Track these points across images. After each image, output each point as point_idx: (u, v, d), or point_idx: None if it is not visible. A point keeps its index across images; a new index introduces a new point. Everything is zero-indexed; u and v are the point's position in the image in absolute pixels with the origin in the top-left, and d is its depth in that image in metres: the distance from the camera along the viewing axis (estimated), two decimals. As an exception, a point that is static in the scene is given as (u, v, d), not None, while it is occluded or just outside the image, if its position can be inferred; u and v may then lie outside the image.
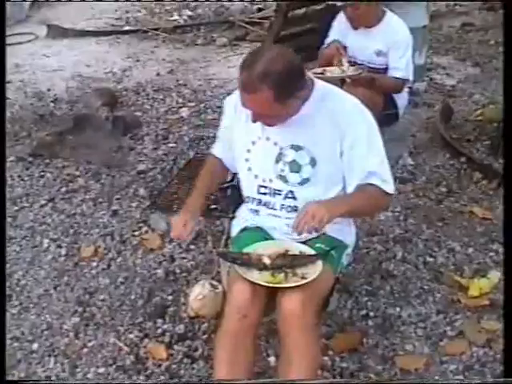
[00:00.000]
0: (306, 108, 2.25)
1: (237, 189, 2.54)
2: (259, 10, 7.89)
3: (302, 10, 5.70)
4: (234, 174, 2.57)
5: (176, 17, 8.07)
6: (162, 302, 3.00)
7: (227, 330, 2.16)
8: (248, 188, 2.41)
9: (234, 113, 2.38)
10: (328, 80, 2.57)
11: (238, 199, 2.55)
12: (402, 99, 3.82)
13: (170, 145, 4.58)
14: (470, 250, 3.32)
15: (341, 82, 3.60)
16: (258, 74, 2.04)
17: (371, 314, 2.90)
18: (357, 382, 2.53)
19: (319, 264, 2.21)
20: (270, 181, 2.33)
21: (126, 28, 7.72)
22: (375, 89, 3.55)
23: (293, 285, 2.13)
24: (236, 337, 2.14)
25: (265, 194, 2.35)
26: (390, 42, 3.59)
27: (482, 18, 7.48)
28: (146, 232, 3.55)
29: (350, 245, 2.45)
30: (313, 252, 2.27)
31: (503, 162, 3.24)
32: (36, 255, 3.39)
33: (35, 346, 2.80)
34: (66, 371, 2.66)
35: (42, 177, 4.16)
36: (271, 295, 2.18)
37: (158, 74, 6.11)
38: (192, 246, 3.38)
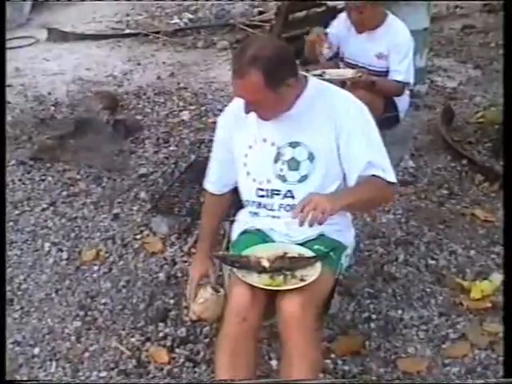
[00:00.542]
0: (301, 103, 2.26)
1: (237, 192, 2.54)
2: (260, 12, 7.88)
3: (303, 13, 5.71)
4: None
5: (176, 20, 8.06)
6: (163, 306, 3.00)
7: (227, 334, 2.16)
8: (247, 192, 2.41)
9: (233, 122, 2.38)
10: (327, 82, 2.56)
11: (238, 202, 2.54)
12: (403, 102, 3.81)
13: (171, 148, 4.58)
14: (472, 252, 3.32)
15: (341, 85, 3.59)
16: (248, 58, 2.09)
17: (373, 316, 2.90)
18: (358, 383, 2.52)
19: (318, 266, 2.20)
20: (269, 181, 2.32)
21: (127, 31, 7.72)
22: (375, 92, 3.54)
23: (292, 287, 2.13)
24: (236, 340, 2.13)
25: (263, 196, 2.35)
26: (392, 45, 3.59)
27: (482, 21, 7.48)
28: (148, 235, 3.55)
29: (349, 246, 2.44)
30: (312, 254, 2.26)
31: (503, 163, 3.23)
32: (37, 259, 3.39)
33: (37, 350, 2.80)
34: (67, 375, 2.66)
35: (43, 180, 4.16)
36: (271, 298, 2.18)
37: (158, 78, 6.11)
38: (193, 250, 3.38)
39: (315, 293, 2.17)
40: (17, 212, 3.80)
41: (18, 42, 7.12)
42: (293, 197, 2.30)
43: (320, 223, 2.06)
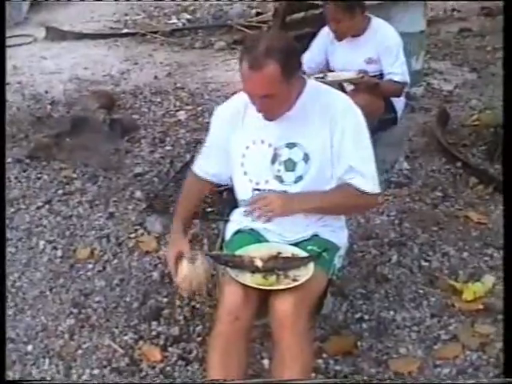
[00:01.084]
0: (300, 103, 2.28)
1: (232, 192, 2.55)
2: (258, 14, 7.90)
3: (301, 15, 5.70)
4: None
5: (174, 20, 8.08)
6: (156, 305, 3.01)
7: (219, 333, 2.17)
8: (243, 191, 2.42)
9: (230, 122, 2.38)
10: (328, 84, 2.57)
11: (233, 202, 2.55)
12: (399, 103, 3.83)
13: (167, 148, 4.59)
14: (465, 254, 3.32)
15: (341, 88, 3.60)
16: (263, 51, 2.09)
17: (366, 317, 2.91)
18: (350, 383, 2.53)
19: (311, 266, 2.22)
20: (266, 182, 2.33)
21: (125, 31, 7.74)
22: (377, 93, 3.56)
23: (285, 287, 2.14)
24: (228, 339, 2.14)
25: (259, 196, 2.36)
26: (381, 49, 3.59)
27: (479, 24, 7.49)
28: (142, 234, 3.56)
29: (342, 247, 2.46)
30: (305, 254, 2.27)
31: (502, 166, 3.24)
32: (32, 257, 3.40)
33: (30, 347, 2.80)
34: (60, 373, 2.66)
35: (39, 179, 4.17)
36: (264, 298, 2.19)
37: (155, 77, 6.12)
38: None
39: (308, 293, 2.19)
40: (12, 210, 3.80)
41: (16, 40, 7.13)
42: None
43: (267, 221, 2.25)
